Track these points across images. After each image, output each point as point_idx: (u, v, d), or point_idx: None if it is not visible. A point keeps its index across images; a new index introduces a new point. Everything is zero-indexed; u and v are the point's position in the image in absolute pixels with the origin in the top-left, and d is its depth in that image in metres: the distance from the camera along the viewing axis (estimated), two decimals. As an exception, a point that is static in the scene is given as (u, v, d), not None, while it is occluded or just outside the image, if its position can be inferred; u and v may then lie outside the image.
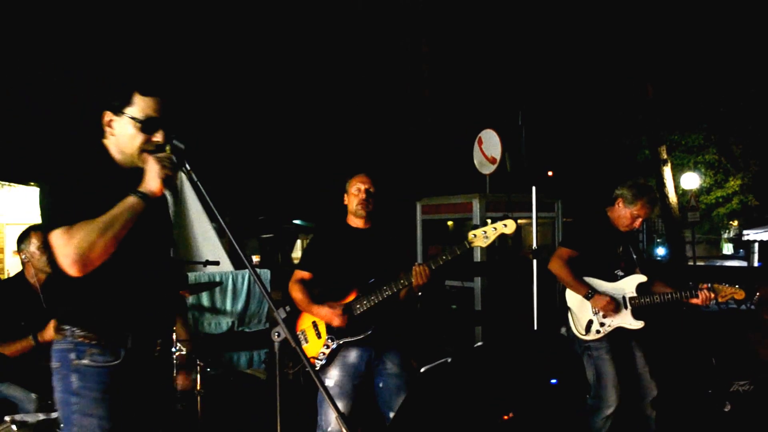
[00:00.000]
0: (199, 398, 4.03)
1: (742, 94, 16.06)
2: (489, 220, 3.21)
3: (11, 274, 4.40)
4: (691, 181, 16.18)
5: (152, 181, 2.03)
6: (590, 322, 3.74)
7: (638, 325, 3.70)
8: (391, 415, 3.25)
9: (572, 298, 3.81)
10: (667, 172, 15.71)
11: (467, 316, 6.85)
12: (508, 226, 3.10)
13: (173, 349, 3.73)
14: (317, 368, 3.29)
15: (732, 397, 4.54)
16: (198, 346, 4.53)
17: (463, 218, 7.35)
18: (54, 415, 3.12)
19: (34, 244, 3.60)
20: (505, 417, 3.81)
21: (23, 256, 3.63)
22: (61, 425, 2.18)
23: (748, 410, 4.49)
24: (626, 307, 3.72)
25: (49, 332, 3.39)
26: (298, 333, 3.39)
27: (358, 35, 15.67)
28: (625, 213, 3.74)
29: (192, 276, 5.54)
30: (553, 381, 4.23)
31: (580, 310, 3.78)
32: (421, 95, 15.17)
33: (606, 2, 15.00)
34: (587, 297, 3.69)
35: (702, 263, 18.76)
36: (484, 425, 3.80)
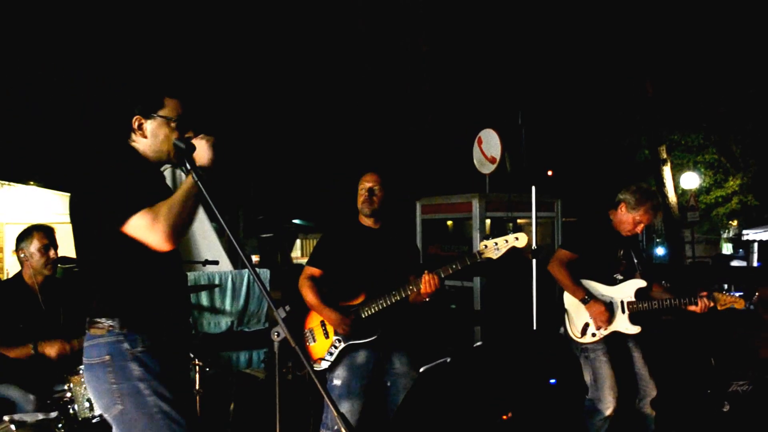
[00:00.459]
0: (198, 398, 4.02)
1: (742, 93, 16.05)
2: (509, 230, 3.21)
3: (11, 274, 4.38)
4: (691, 180, 16.18)
5: (205, 156, 2.21)
6: (586, 325, 3.74)
7: (635, 330, 3.69)
8: (397, 413, 3.26)
9: (569, 300, 3.81)
10: (667, 171, 15.72)
11: (466, 316, 6.84)
12: (520, 240, 3.11)
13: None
14: (324, 368, 3.29)
15: (731, 397, 4.55)
16: (197, 345, 4.53)
17: (463, 218, 7.35)
18: (53, 414, 3.12)
19: (34, 244, 3.59)
20: (504, 417, 3.82)
21: (22, 255, 3.61)
22: (113, 416, 2.18)
23: (747, 410, 4.50)
24: (623, 312, 3.71)
25: (54, 348, 3.40)
26: (305, 331, 3.38)
27: (358, 35, 15.66)
28: (627, 218, 3.73)
29: (191, 276, 5.53)
30: (552, 381, 4.23)
31: (576, 312, 3.78)
32: (420, 95, 15.16)
33: (605, 2, 15.00)
34: (583, 302, 3.69)
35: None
36: (483, 425, 3.80)
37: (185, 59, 13.99)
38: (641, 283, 3.72)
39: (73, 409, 3.14)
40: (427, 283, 3.13)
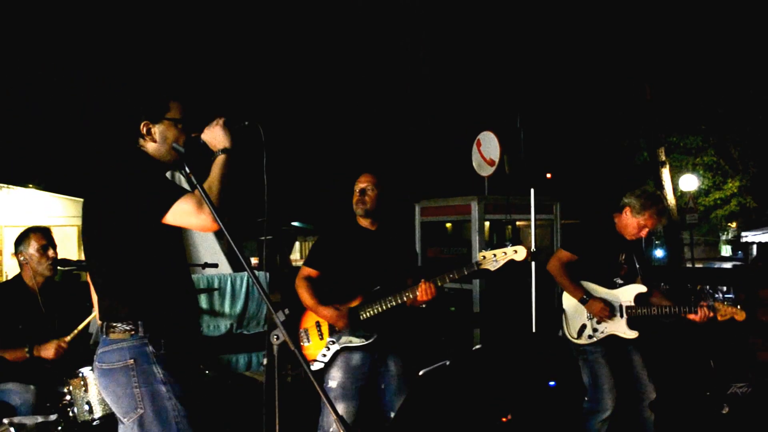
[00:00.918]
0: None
1: (741, 95, 16.08)
2: (508, 240, 3.21)
3: (10, 277, 4.38)
4: (690, 182, 16.19)
5: (223, 139, 2.31)
6: (583, 327, 3.74)
7: (632, 334, 3.68)
8: (393, 416, 3.26)
9: (568, 301, 3.81)
10: (666, 173, 15.74)
11: (466, 319, 6.84)
12: (519, 253, 3.11)
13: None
14: (317, 369, 3.29)
15: (730, 399, 4.55)
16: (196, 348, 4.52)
17: (462, 220, 7.35)
18: (52, 417, 3.12)
19: (33, 246, 3.59)
20: (504, 419, 3.82)
21: (21, 258, 3.61)
22: (136, 419, 2.18)
23: (746, 413, 4.50)
24: (622, 316, 3.71)
25: (50, 350, 3.40)
26: (300, 331, 3.39)
27: (358, 36, 15.68)
28: (632, 222, 3.72)
29: (190, 278, 5.53)
30: (552, 383, 4.24)
31: (574, 313, 3.78)
32: (420, 97, 15.18)
33: (605, 3, 15.03)
34: (582, 301, 3.69)
35: (700, 265, 18.75)
36: (482, 427, 3.80)
37: (185, 60, 13.99)
38: (641, 289, 3.71)
39: (73, 411, 3.14)
40: (423, 292, 3.15)
